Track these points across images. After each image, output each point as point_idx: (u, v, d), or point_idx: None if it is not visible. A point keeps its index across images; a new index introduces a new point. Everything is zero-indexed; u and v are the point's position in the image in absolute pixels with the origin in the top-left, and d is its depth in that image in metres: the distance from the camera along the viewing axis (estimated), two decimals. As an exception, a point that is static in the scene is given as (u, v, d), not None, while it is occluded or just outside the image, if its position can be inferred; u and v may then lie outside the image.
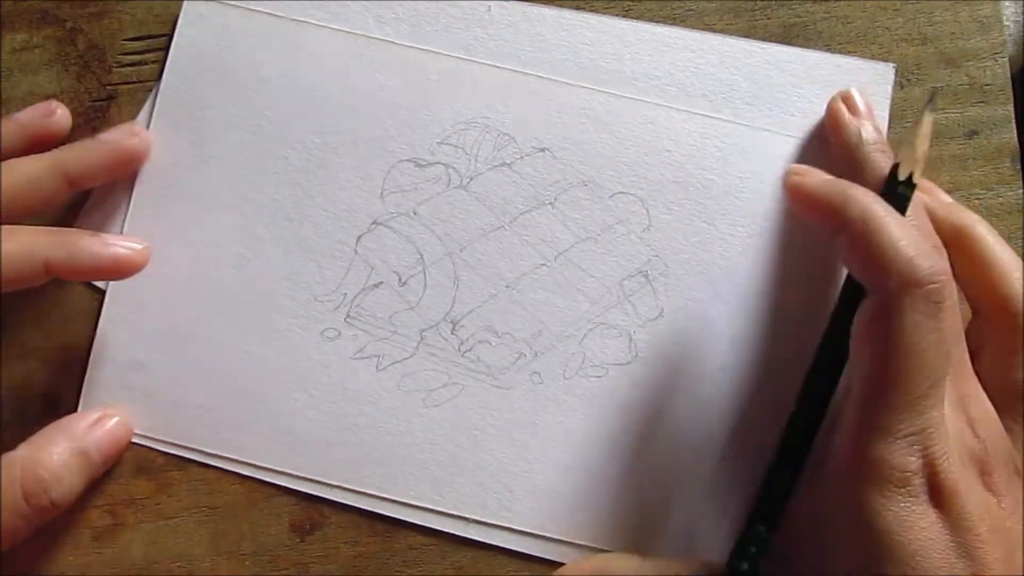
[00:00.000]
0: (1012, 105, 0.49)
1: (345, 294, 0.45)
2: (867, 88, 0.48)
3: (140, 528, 0.45)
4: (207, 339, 0.45)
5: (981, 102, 0.49)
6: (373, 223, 0.46)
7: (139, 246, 0.44)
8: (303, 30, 0.47)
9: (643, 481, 0.44)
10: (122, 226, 0.46)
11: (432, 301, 0.45)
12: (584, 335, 0.45)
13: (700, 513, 0.44)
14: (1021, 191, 0.49)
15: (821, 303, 0.45)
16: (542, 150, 0.46)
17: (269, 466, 0.45)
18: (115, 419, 0.44)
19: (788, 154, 0.47)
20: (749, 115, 0.47)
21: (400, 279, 0.45)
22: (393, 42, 0.47)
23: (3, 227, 0.41)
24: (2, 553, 0.42)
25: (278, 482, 0.45)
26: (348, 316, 0.45)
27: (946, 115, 0.49)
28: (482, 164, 0.46)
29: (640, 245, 0.46)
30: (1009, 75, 0.49)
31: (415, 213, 0.46)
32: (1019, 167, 0.49)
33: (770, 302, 0.46)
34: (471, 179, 0.46)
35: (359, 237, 0.46)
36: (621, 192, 0.46)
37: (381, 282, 0.45)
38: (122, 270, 0.43)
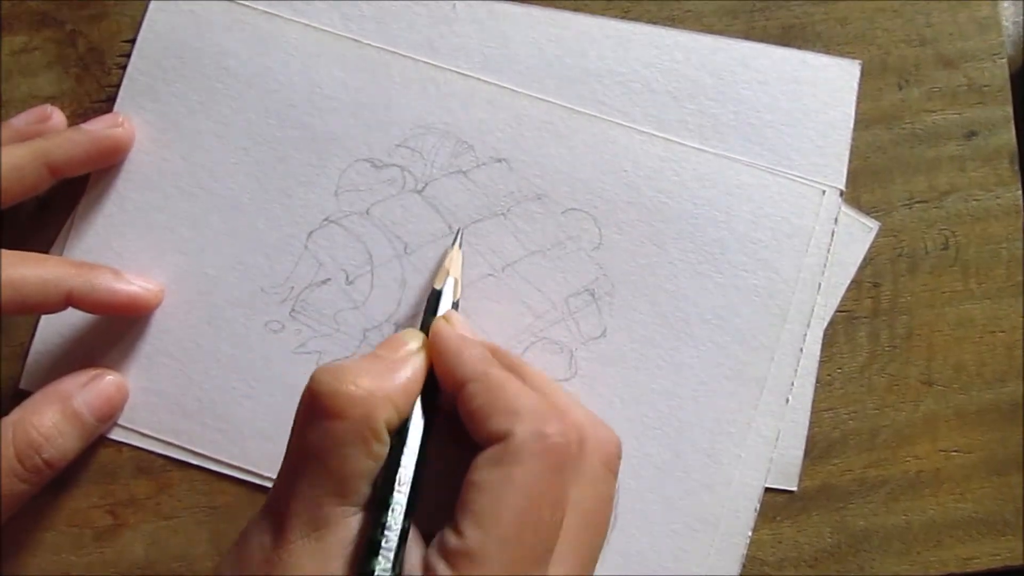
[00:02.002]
0: (1011, 106, 0.47)
1: (292, 288, 0.46)
2: (833, 84, 0.47)
3: (140, 528, 0.46)
4: (153, 322, 0.46)
5: (980, 103, 0.48)
6: (325, 220, 0.46)
7: (154, 287, 0.45)
8: (271, 23, 0.47)
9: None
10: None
11: (377, 302, 0.46)
12: (526, 348, 0.45)
13: (631, 533, 0.44)
14: (1020, 192, 0.47)
15: (768, 334, 0.45)
16: (499, 160, 0.46)
17: (204, 452, 0.45)
18: (107, 378, 0.45)
19: (746, 183, 0.46)
20: (713, 111, 0.47)
21: (348, 277, 0.46)
22: (360, 41, 0.47)
23: (32, 255, 0.43)
24: (2, 553, 0.45)
25: (210, 467, 0.46)
26: (293, 310, 0.46)
27: (945, 116, 0.48)
28: (438, 170, 0.46)
29: (589, 263, 0.46)
30: (1008, 76, 0.47)
31: (368, 213, 0.46)
32: (1018, 168, 0.47)
33: (715, 330, 0.45)
34: (426, 184, 0.46)
35: (310, 233, 0.46)
36: (574, 209, 0.46)
37: (329, 279, 0.46)
38: (136, 308, 0.45)
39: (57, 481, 0.44)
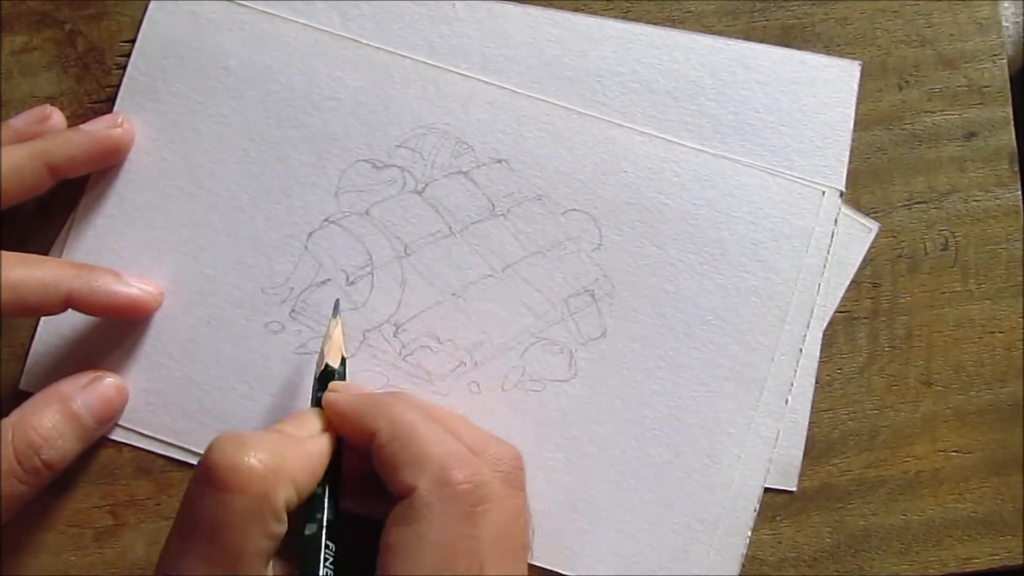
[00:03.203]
0: (1010, 107, 0.48)
1: (292, 288, 0.46)
2: (833, 85, 0.47)
3: (141, 528, 0.46)
4: (153, 323, 0.46)
5: (979, 104, 0.48)
6: (325, 220, 0.46)
7: (154, 290, 0.45)
8: (271, 23, 0.47)
9: (573, 498, 0.45)
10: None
11: (377, 303, 0.46)
12: (526, 349, 0.45)
13: (630, 532, 0.44)
14: (1019, 193, 0.48)
15: (768, 334, 0.46)
16: (499, 161, 0.46)
17: (202, 452, 0.45)
18: (107, 381, 0.45)
19: (746, 183, 0.46)
20: (713, 112, 0.47)
21: (348, 278, 0.46)
22: (359, 41, 0.47)
23: (32, 256, 0.43)
24: (3, 553, 0.45)
25: None
26: (293, 311, 0.46)
27: (945, 117, 0.48)
28: (438, 170, 0.46)
29: (589, 264, 0.46)
30: (1007, 77, 0.48)
31: (368, 214, 0.46)
32: (1017, 169, 0.47)
33: (715, 330, 0.45)
34: (426, 184, 0.46)
35: (310, 233, 0.46)
36: (574, 209, 0.46)
37: (329, 279, 0.46)
38: (136, 310, 0.45)
39: (58, 482, 0.44)
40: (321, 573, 0.36)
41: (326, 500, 0.38)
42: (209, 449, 0.35)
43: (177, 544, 0.35)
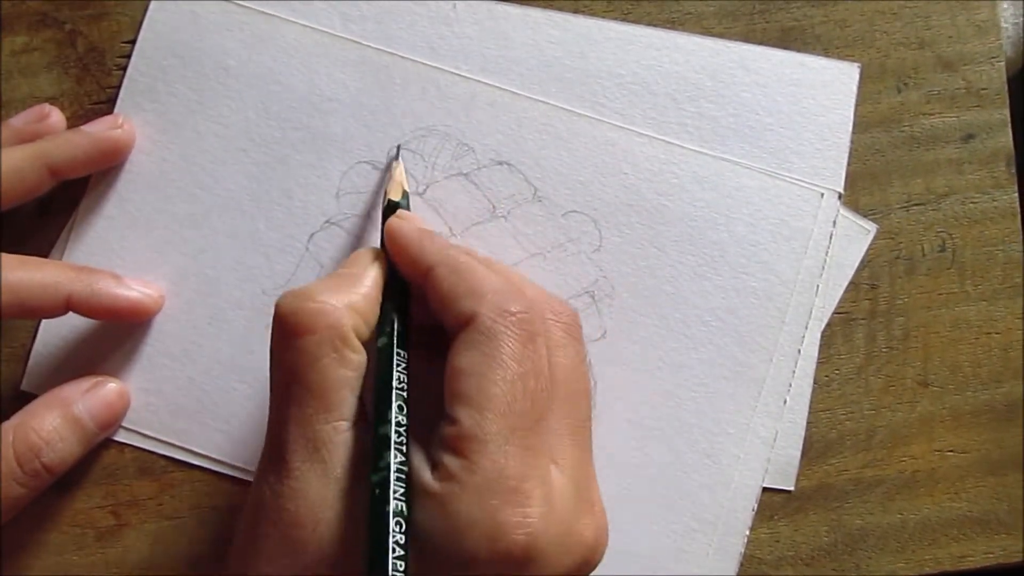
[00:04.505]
0: (1008, 109, 0.48)
1: None
2: (832, 87, 0.47)
3: (143, 528, 0.46)
4: (154, 324, 0.46)
5: (977, 106, 0.48)
6: (326, 222, 0.46)
7: (155, 293, 0.46)
8: (271, 24, 0.47)
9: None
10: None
11: None
12: (527, 350, 0.45)
13: (629, 531, 0.45)
14: (1016, 195, 0.48)
15: (767, 335, 0.46)
16: (500, 163, 0.46)
17: (205, 453, 0.45)
18: (109, 385, 0.45)
19: (746, 185, 0.46)
20: (713, 114, 0.47)
21: None
22: (360, 42, 0.47)
23: (32, 259, 0.43)
24: (6, 553, 0.45)
25: (212, 468, 0.46)
26: None
27: (943, 119, 0.48)
28: (439, 172, 0.46)
29: (589, 265, 0.46)
30: (1005, 79, 0.48)
31: (369, 215, 0.46)
32: (1014, 171, 0.48)
33: (714, 331, 0.46)
34: (427, 186, 0.46)
35: (311, 235, 0.46)
36: (575, 211, 0.46)
37: (330, 281, 0.46)
38: (136, 314, 0.45)
39: (60, 482, 0.44)
40: (395, 376, 0.37)
41: (394, 314, 0.39)
42: (276, 307, 0.36)
43: (275, 404, 0.36)
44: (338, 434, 0.35)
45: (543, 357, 0.36)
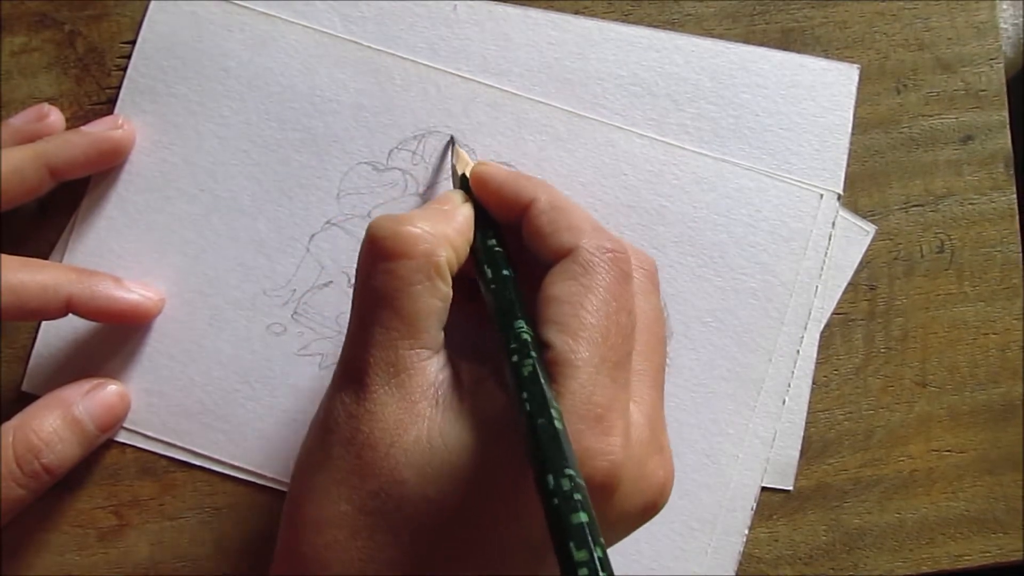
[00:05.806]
0: (1007, 111, 0.48)
1: (294, 291, 0.46)
2: (832, 88, 0.47)
3: (145, 528, 0.46)
4: (155, 325, 0.46)
5: (976, 107, 0.48)
6: (327, 223, 0.46)
7: (155, 296, 0.46)
8: (272, 24, 0.47)
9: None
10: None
11: None
12: (527, 352, 0.45)
13: (633, 533, 0.45)
14: (1014, 196, 0.48)
15: (766, 336, 0.46)
16: (500, 164, 0.46)
17: (207, 453, 0.46)
18: (110, 387, 0.45)
19: (745, 186, 0.47)
20: (713, 115, 0.47)
21: (349, 280, 0.46)
22: (360, 43, 0.47)
23: (33, 260, 0.43)
24: (7, 553, 0.45)
25: (214, 468, 0.46)
26: (295, 313, 0.46)
27: (942, 120, 0.48)
28: (439, 173, 0.46)
29: (589, 265, 0.46)
30: (1004, 80, 0.48)
31: (369, 216, 0.46)
32: (1013, 172, 0.48)
33: (714, 332, 0.46)
34: (428, 187, 0.46)
35: (312, 236, 0.46)
36: (574, 212, 0.46)
37: (331, 281, 0.46)
38: (136, 316, 0.45)
39: (61, 482, 0.44)
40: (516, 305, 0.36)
41: (492, 243, 0.39)
42: (369, 228, 0.36)
43: (357, 324, 0.36)
44: (420, 361, 0.35)
45: (632, 298, 0.37)
